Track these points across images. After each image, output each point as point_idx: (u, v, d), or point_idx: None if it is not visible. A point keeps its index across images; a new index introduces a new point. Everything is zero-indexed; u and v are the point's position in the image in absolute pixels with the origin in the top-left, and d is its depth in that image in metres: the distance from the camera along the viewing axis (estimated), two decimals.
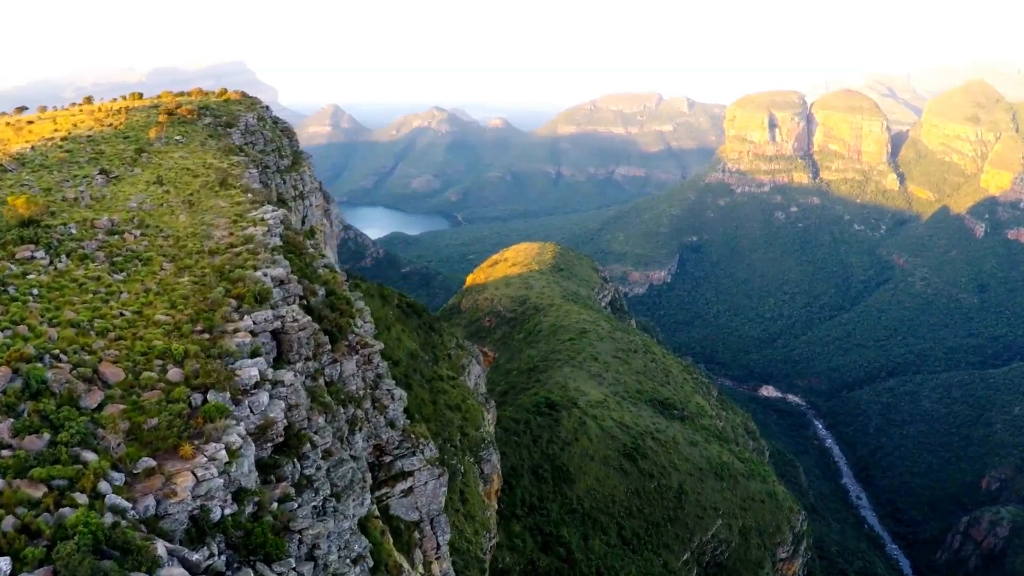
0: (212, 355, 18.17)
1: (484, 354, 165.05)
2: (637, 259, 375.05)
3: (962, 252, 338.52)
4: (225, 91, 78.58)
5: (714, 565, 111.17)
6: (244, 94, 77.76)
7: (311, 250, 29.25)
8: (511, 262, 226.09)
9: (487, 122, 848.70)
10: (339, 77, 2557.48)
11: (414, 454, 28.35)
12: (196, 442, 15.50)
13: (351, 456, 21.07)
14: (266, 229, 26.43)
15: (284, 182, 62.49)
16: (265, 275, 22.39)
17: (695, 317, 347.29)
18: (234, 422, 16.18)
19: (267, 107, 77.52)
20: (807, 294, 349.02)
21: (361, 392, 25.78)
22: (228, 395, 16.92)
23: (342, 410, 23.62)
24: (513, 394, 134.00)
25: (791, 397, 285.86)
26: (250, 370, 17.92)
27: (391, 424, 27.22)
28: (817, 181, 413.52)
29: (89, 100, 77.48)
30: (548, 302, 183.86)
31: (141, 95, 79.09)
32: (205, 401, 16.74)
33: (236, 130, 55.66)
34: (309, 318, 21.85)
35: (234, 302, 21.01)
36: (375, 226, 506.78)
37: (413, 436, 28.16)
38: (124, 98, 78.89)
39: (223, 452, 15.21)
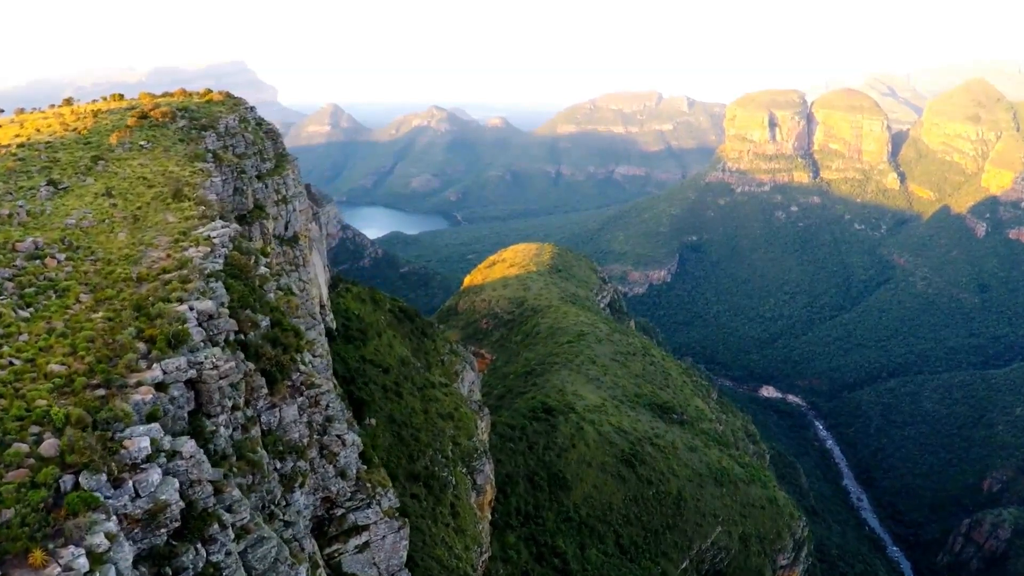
0: (100, 420, 15.14)
1: (481, 356, 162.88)
2: (637, 259, 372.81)
3: (963, 252, 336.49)
4: (209, 91, 75.36)
5: (714, 573, 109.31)
6: (228, 94, 74.59)
7: (263, 270, 26.56)
8: (509, 263, 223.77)
9: (487, 121, 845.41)
10: (339, 77, 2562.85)
11: (369, 506, 25.51)
12: (51, 545, 12.48)
13: (284, 521, 18.44)
14: (208, 250, 23.76)
15: (266, 186, 60.16)
16: (191, 309, 19.71)
17: (695, 317, 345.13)
18: (104, 516, 13.20)
19: (252, 108, 74.37)
20: (807, 294, 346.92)
21: (306, 440, 22.89)
22: (104, 477, 13.96)
23: (278, 465, 21.01)
24: (509, 398, 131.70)
25: (791, 398, 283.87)
26: (140, 440, 14.92)
27: (342, 474, 24.29)
28: (817, 180, 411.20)
29: (69, 101, 74.38)
30: (546, 304, 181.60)
31: (122, 96, 76.07)
32: (77, 485, 13.70)
33: (212, 133, 52.88)
34: (234, 363, 19.09)
35: (144, 347, 18.04)
36: (374, 226, 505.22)
37: (369, 485, 25.33)
38: (104, 99, 76.08)
39: (83, 559, 12.24)
